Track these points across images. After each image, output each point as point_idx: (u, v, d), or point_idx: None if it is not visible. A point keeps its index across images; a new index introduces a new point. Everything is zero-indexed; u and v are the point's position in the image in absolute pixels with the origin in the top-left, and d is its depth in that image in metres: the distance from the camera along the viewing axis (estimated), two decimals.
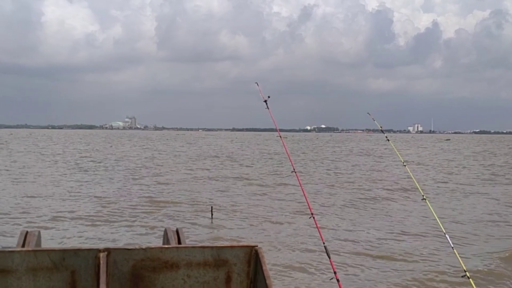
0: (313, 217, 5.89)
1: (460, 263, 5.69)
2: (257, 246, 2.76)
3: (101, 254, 2.60)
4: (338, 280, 5.23)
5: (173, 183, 21.32)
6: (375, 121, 8.28)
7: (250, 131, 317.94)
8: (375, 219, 13.81)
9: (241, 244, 2.81)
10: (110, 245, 2.79)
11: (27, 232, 3.04)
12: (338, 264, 8.58)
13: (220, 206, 15.01)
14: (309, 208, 6.03)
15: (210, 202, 15.60)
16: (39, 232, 3.14)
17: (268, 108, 6.78)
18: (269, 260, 8.91)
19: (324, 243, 5.53)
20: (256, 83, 7.23)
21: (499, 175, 27.63)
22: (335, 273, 5.24)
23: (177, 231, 3.11)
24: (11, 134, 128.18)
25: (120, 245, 2.68)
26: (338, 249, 10.09)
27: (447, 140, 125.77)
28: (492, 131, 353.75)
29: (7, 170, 26.22)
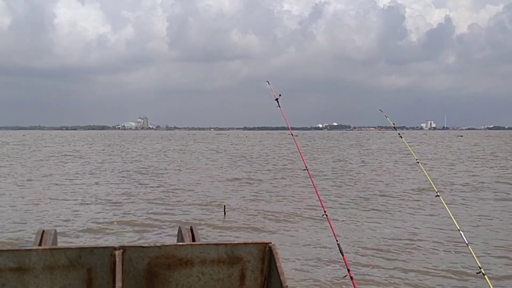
0: (326, 215, 5.89)
1: (475, 260, 5.65)
2: (270, 242, 2.77)
3: (117, 252, 2.63)
4: (351, 278, 5.22)
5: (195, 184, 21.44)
6: (387, 118, 8.25)
7: (261, 129, 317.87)
8: (388, 217, 13.74)
9: (255, 241, 2.82)
10: (126, 242, 2.81)
11: (43, 231, 3.08)
12: (351, 262, 8.57)
13: (232, 205, 15.07)
14: (322, 205, 6.03)
15: (222, 200, 15.68)
16: (55, 230, 3.18)
17: (279, 106, 6.78)
18: (282, 257, 8.94)
19: (337, 241, 5.52)
20: (267, 81, 7.25)
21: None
22: (348, 270, 5.23)
23: (191, 229, 3.14)
24: (24, 135, 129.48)
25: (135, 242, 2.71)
26: (351, 247, 10.06)
27: (459, 136, 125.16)
28: (507, 126, 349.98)
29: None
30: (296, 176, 23.12)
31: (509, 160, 37.06)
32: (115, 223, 12.62)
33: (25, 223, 12.34)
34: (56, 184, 20.57)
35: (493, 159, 38.05)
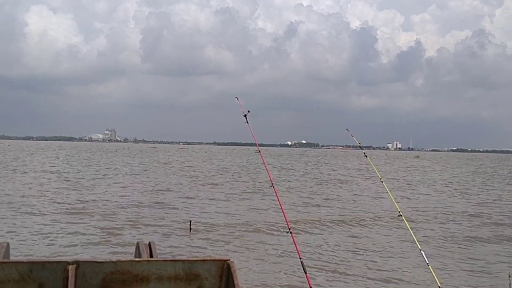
0: (290, 232, 5.88)
1: (435, 278, 5.74)
2: (229, 260, 2.73)
3: (70, 267, 2.55)
4: None
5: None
6: (353, 137, 8.37)
7: (231, 145, 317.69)
8: (351, 236, 13.85)
9: (213, 257, 2.77)
10: (80, 257, 2.72)
11: None
12: (314, 280, 8.57)
13: (198, 222, 14.91)
14: (287, 223, 6.02)
15: (188, 215, 15.50)
16: (7, 244, 3.05)
17: (247, 123, 6.80)
18: (243, 275, 8.88)
19: (300, 258, 5.53)
20: (236, 97, 7.26)
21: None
22: None
23: (149, 245, 3.07)
24: None
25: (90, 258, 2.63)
26: (314, 265, 10.08)
27: (416, 157, 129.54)
28: (469, 149, 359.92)
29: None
30: (262, 192, 23.12)
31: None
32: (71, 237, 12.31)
33: None
34: None
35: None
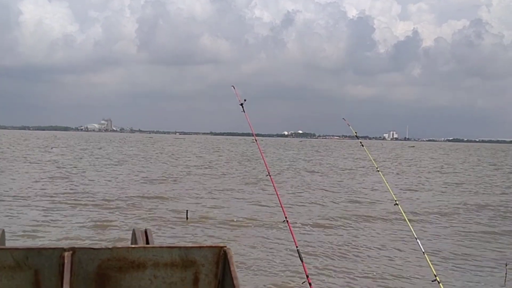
0: (287, 221, 5.89)
1: (431, 268, 5.77)
2: (225, 246, 2.72)
3: (66, 254, 2.54)
4: (310, 284, 5.24)
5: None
6: (350, 127, 8.36)
7: (228, 135, 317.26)
8: (348, 224, 13.90)
9: (209, 244, 2.77)
10: (76, 244, 2.71)
11: None
12: (310, 269, 8.60)
13: (195, 210, 14.94)
14: (283, 211, 6.03)
15: (185, 205, 15.53)
16: (3, 230, 3.05)
17: (244, 111, 6.77)
18: (240, 262, 8.91)
19: (297, 247, 5.54)
20: (233, 86, 7.20)
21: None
22: (307, 276, 5.24)
23: (145, 232, 3.07)
24: None
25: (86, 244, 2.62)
26: (311, 254, 10.11)
27: (411, 147, 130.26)
28: (465, 139, 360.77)
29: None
30: (259, 182, 23.15)
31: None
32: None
33: None
34: None
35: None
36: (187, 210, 13.86)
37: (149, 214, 14.32)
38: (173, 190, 20.11)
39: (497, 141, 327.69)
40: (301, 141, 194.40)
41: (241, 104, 6.76)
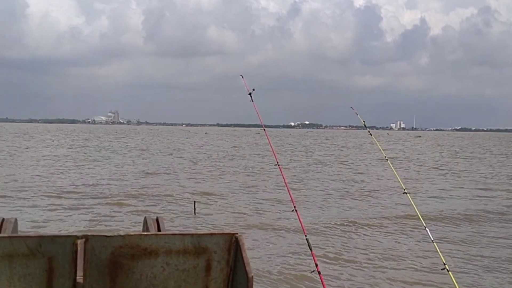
0: (296, 210, 5.89)
1: (440, 256, 5.75)
2: (237, 233, 2.73)
3: (79, 241, 2.56)
4: (319, 273, 5.25)
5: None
6: (358, 116, 8.31)
7: (235, 126, 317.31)
8: (357, 213, 13.89)
9: (221, 231, 2.78)
10: (89, 231, 2.73)
11: (3, 219, 2.98)
12: (320, 258, 8.62)
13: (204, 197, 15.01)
14: (292, 201, 6.03)
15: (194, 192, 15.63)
16: (15, 219, 3.07)
17: (252, 101, 6.76)
18: (251, 250, 8.95)
19: (306, 236, 5.54)
20: (241, 75, 7.19)
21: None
22: (316, 265, 5.25)
23: (157, 219, 3.08)
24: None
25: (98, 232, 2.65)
26: (320, 243, 10.13)
27: (417, 137, 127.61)
28: (473, 128, 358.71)
29: None
30: (267, 172, 23.17)
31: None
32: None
33: None
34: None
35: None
36: (194, 202, 13.89)
37: (157, 203, 14.40)
38: (182, 180, 20.20)
39: (506, 130, 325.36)
40: (307, 132, 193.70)
41: (250, 94, 6.75)
